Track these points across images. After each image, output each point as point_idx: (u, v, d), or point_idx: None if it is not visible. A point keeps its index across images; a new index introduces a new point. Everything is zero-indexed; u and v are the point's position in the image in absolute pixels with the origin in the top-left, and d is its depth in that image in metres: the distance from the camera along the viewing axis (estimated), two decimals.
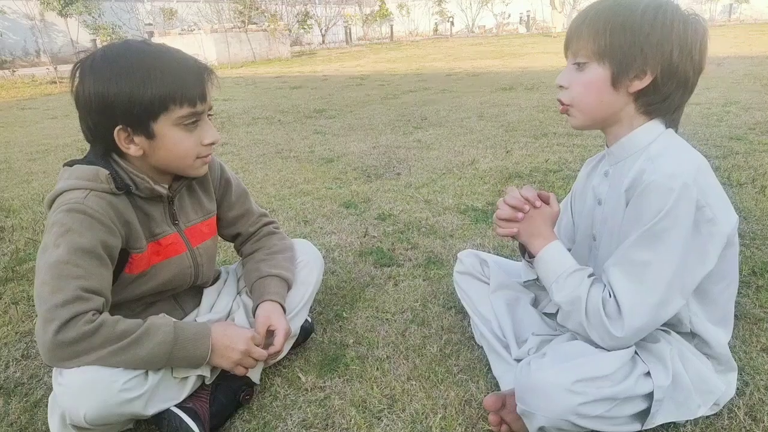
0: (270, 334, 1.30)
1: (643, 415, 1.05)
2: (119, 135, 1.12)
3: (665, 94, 1.05)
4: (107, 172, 1.15)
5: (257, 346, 1.24)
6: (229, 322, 1.35)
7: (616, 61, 1.03)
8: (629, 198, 1.06)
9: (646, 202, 1.01)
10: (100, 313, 1.08)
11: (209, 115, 1.22)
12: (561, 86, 1.12)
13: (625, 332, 1.03)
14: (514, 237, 1.19)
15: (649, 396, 1.03)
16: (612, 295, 1.04)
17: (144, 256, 1.24)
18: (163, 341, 1.10)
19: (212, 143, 1.21)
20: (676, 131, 1.11)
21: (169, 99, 1.11)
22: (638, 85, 1.04)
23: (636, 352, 1.07)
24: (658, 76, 1.02)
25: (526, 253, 1.21)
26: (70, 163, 1.19)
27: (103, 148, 1.17)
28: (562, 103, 1.12)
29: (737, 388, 1.23)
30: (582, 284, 1.08)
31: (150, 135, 1.13)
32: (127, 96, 1.08)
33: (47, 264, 1.08)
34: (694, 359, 1.12)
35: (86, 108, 1.12)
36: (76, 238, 1.08)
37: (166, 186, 1.26)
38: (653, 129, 1.08)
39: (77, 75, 1.12)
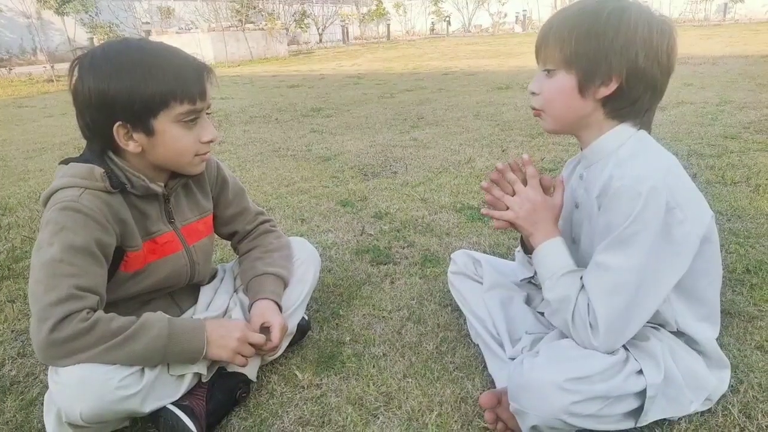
0: (265, 330, 1.30)
1: (636, 412, 1.05)
2: (118, 131, 1.12)
3: (633, 98, 1.05)
4: (102, 170, 1.15)
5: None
6: (224, 319, 1.35)
7: (581, 68, 1.04)
8: (600, 204, 1.06)
9: (615, 207, 1.01)
10: (95, 311, 1.08)
11: (208, 113, 1.23)
12: (533, 93, 1.13)
13: (600, 341, 1.03)
14: (514, 227, 1.17)
15: (641, 394, 1.04)
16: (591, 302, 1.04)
17: (139, 255, 1.24)
18: (158, 336, 1.10)
19: (211, 141, 1.22)
20: (649, 132, 1.11)
21: (169, 95, 1.11)
22: (605, 91, 1.04)
23: (628, 350, 1.07)
24: (624, 82, 1.02)
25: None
26: (66, 161, 1.20)
27: (100, 145, 1.17)
28: (534, 109, 1.14)
29: (731, 386, 1.24)
30: (574, 285, 1.08)
31: (149, 131, 1.14)
32: (127, 92, 1.09)
33: (41, 262, 1.08)
34: (685, 355, 1.12)
35: (85, 104, 1.12)
36: (71, 237, 1.08)
37: (162, 184, 1.26)
38: (623, 132, 1.09)
39: (76, 71, 1.12)
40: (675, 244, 1.00)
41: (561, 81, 1.06)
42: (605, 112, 1.08)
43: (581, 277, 1.09)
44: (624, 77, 1.02)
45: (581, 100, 1.07)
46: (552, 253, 1.13)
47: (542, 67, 1.10)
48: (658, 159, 1.06)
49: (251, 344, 1.24)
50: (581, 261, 1.17)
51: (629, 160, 1.04)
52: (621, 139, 1.09)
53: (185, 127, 1.16)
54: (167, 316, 1.16)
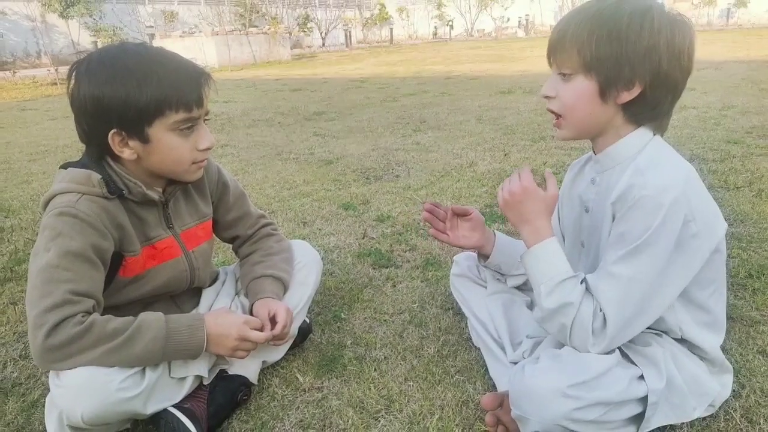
0: (273, 320, 1.30)
1: (638, 418, 1.05)
2: (113, 138, 1.12)
3: (655, 102, 1.03)
4: (99, 176, 1.15)
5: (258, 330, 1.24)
6: (223, 309, 1.33)
7: (602, 73, 1.00)
8: (616, 211, 1.04)
9: (635, 217, 0.99)
10: (90, 315, 1.08)
11: (206, 119, 1.21)
12: (547, 96, 1.09)
13: (602, 347, 1.04)
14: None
15: (644, 400, 1.03)
16: (601, 309, 1.03)
17: (139, 260, 1.24)
18: (156, 337, 1.10)
19: (208, 148, 1.21)
20: (662, 136, 1.10)
21: (164, 104, 1.10)
22: (626, 96, 1.02)
23: (629, 356, 1.07)
24: (647, 86, 1.00)
25: (481, 258, 1.20)
26: (65, 166, 1.19)
27: (97, 151, 1.17)
28: (554, 113, 1.09)
29: (734, 390, 1.23)
30: (575, 291, 1.05)
31: (144, 139, 1.13)
32: (122, 99, 1.08)
33: (38, 268, 1.08)
34: (688, 361, 1.12)
35: (81, 110, 1.11)
36: (67, 242, 1.08)
37: (160, 190, 1.25)
38: (641, 137, 1.07)
39: (73, 77, 1.12)
40: (686, 256, 1.00)
41: (580, 86, 1.03)
42: (625, 116, 1.05)
43: (581, 282, 1.07)
44: (647, 82, 1.00)
45: (602, 106, 1.03)
46: (546, 258, 1.09)
47: (557, 71, 1.06)
48: (677, 168, 1.03)
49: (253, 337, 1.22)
50: (589, 265, 1.17)
51: (650, 168, 1.01)
52: (639, 145, 1.06)
53: (181, 135, 1.15)
54: (164, 315, 1.15)
